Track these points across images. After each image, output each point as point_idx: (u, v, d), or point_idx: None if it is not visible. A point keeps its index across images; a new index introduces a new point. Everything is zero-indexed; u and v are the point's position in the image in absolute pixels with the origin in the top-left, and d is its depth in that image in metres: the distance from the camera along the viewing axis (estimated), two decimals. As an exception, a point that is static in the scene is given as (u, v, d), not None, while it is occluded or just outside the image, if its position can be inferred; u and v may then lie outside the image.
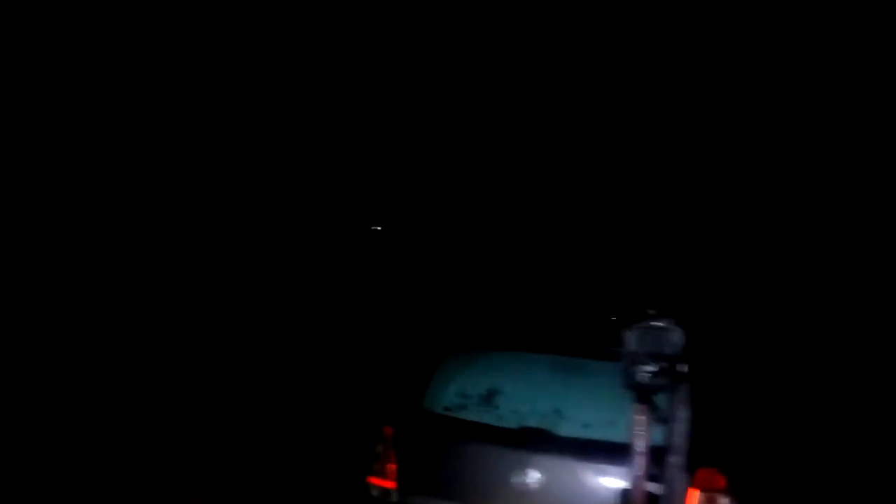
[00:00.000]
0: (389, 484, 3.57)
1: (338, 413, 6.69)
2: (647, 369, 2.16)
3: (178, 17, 9.88)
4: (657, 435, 3.17)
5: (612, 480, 3.23)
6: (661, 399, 2.25)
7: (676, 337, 2.18)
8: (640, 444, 2.15)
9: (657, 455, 2.78)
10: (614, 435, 3.29)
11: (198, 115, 10.32)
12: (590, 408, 3.46)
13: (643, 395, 2.18)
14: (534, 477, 3.30)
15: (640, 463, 2.15)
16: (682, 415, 2.18)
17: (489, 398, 3.63)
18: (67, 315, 8.04)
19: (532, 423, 3.46)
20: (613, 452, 3.23)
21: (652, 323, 2.19)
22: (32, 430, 5.79)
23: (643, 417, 2.17)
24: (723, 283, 10.62)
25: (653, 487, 2.27)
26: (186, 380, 7.39)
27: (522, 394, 3.59)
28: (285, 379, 7.79)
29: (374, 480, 3.63)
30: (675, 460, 2.17)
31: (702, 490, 3.12)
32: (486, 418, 3.56)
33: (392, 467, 3.57)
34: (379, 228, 11.68)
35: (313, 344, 9.08)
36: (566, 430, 3.41)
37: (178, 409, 6.69)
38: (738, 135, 11.65)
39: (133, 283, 9.00)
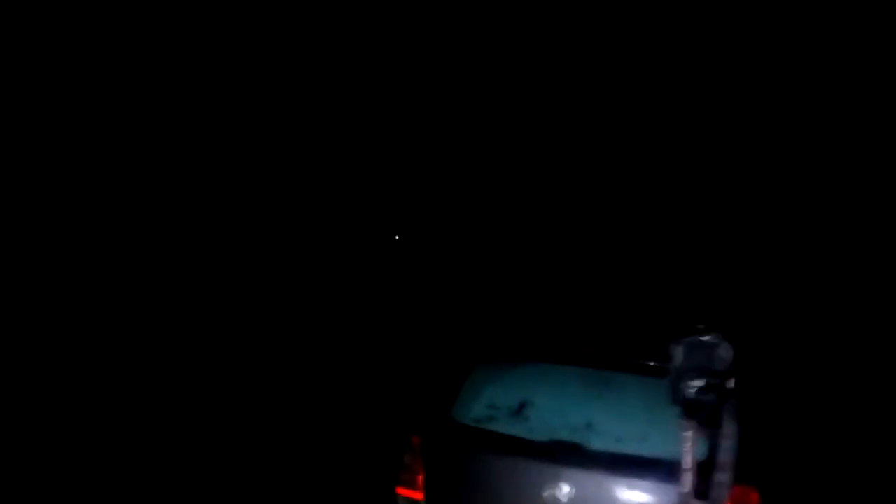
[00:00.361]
0: (417, 495, 3.54)
1: (366, 422, 6.66)
2: (695, 384, 2.12)
3: (214, 22, 9.96)
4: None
5: (644, 496, 3.19)
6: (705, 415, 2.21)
7: (725, 352, 2.15)
8: (688, 461, 2.11)
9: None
10: (647, 450, 3.27)
11: (222, 123, 10.39)
12: (622, 422, 3.42)
13: (690, 410, 2.14)
14: (564, 491, 3.26)
15: (687, 480, 2.10)
16: (730, 431, 2.14)
17: (519, 410, 3.59)
18: (84, 314, 8.06)
19: (563, 436, 3.42)
20: (646, 467, 3.21)
21: (700, 337, 2.15)
22: (34, 431, 5.76)
23: (690, 434, 2.13)
24: (755, 294, 10.45)
25: None
26: (211, 388, 7.40)
27: (554, 407, 3.55)
28: (314, 388, 7.79)
29: (402, 491, 3.60)
30: (722, 478, 2.12)
31: None
32: (517, 431, 3.52)
33: (420, 478, 3.54)
34: (398, 237, 11.68)
35: (341, 353, 9.07)
36: (598, 444, 3.37)
37: (200, 417, 6.69)
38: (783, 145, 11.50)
39: (170, 293, 9.06)
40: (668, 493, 3.10)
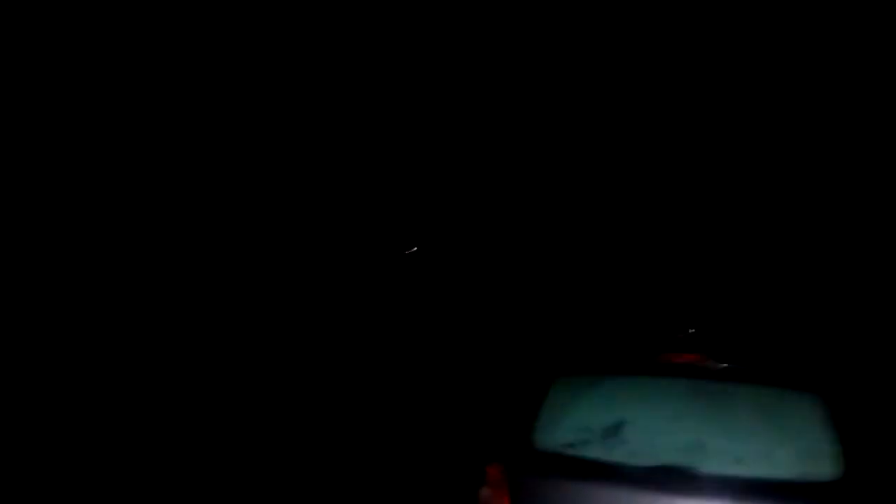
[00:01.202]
0: (502, 536, 3.02)
1: (433, 450, 6.08)
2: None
3: (236, 27, 9.49)
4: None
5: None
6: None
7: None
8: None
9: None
10: (774, 471, 2.83)
11: (239, 130, 9.91)
12: (740, 439, 2.95)
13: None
14: (678, 524, 2.78)
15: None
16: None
17: (616, 431, 3.09)
18: (88, 315, 7.64)
19: (672, 459, 2.94)
20: (774, 492, 2.76)
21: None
22: (34, 431, 5.52)
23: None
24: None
25: None
26: (282, 405, 6.97)
27: (656, 425, 3.06)
28: (380, 413, 7.25)
29: (483, 532, 3.08)
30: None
31: None
32: (616, 456, 3.02)
33: (504, 516, 3.02)
34: (415, 249, 11.10)
35: (407, 370, 8.53)
36: (713, 466, 2.90)
37: (270, 432, 6.22)
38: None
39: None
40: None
